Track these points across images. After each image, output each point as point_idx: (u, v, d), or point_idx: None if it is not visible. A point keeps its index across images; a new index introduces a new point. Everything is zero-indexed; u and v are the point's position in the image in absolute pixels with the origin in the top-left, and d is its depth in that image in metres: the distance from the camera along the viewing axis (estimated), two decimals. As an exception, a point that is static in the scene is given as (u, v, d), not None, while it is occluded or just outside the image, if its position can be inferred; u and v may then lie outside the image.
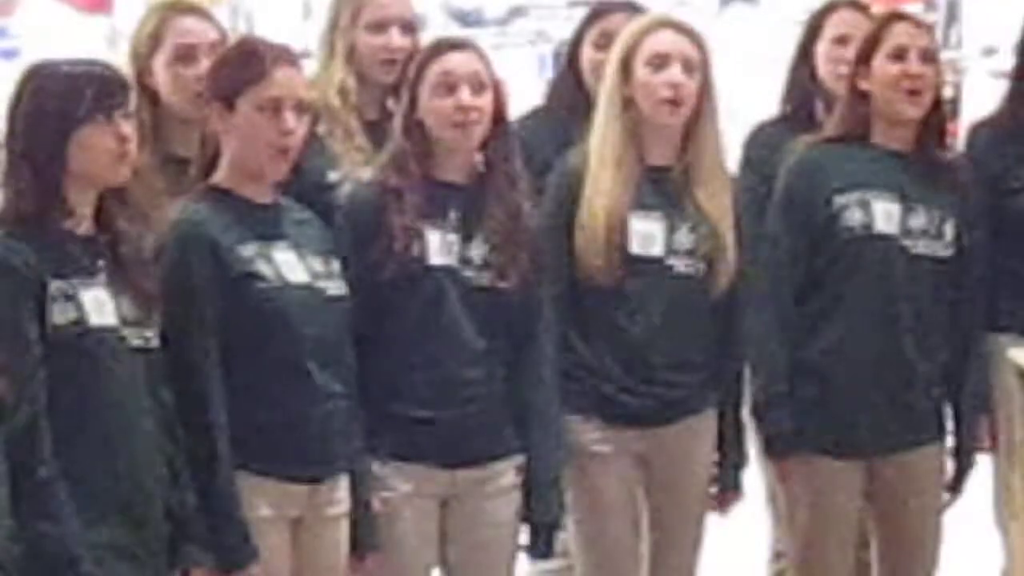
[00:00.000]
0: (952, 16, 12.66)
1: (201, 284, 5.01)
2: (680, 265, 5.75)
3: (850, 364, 5.88)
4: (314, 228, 5.28)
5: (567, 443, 5.68)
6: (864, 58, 5.92)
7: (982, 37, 11.43)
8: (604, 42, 6.07)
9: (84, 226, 4.77)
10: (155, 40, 5.78)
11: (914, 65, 5.86)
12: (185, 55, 5.62)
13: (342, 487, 5.24)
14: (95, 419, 4.71)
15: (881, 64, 5.88)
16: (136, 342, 4.77)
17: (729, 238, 5.76)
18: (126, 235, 4.83)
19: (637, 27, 5.81)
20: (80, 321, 4.67)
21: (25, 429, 4.56)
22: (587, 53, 6.27)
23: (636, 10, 6.23)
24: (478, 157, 5.47)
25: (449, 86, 5.39)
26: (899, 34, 5.91)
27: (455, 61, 5.43)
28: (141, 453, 4.78)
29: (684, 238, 5.74)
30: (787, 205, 5.93)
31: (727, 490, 5.96)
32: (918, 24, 6.09)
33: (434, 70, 5.41)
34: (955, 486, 6.05)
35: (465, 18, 15.69)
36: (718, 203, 5.76)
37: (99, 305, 4.71)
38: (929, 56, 5.91)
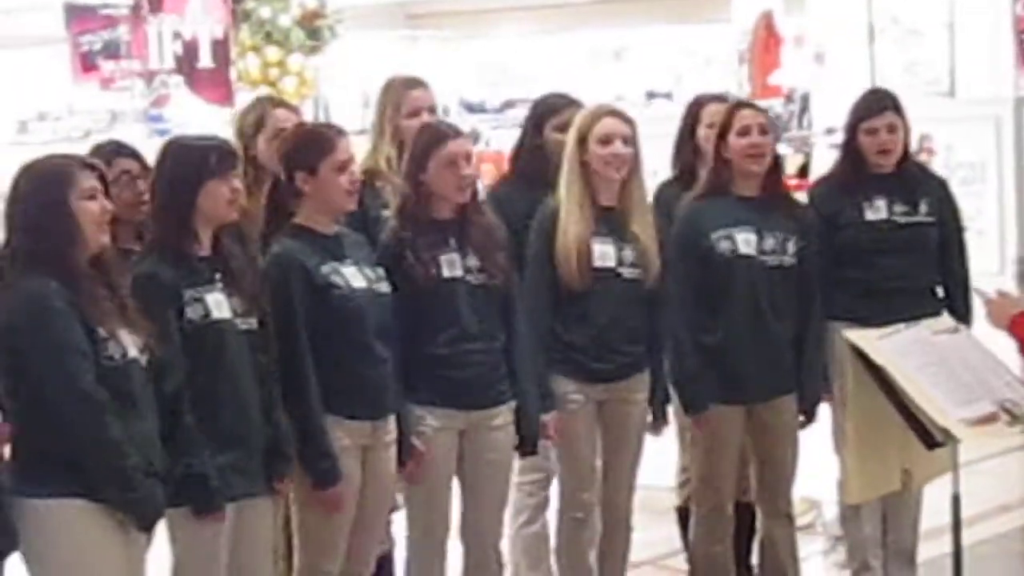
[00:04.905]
0: (804, 107, 12.67)
1: (296, 293, 5.04)
2: (626, 272, 5.78)
3: (734, 342, 5.88)
4: (366, 248, 5.32)
5: (553, 394, 5.71)
6: (722, 135, 5.93)
7: (825, 121, 11.43)
8: (564, 127, 5.98)
9: (205, 250, 4.80)
10: (258, 124, 5.82)
11: (756, 137, 5.89)
12: (279, 134, 5.66)
13: (392, 422, 5.27)
14: (219, 381, 4.74)
15: (734, 139, 5.90)
16: (243, 327, 4.80)
17: (654, 254, 5.80)
18: (234, 255, 4.87)
19: (589, 114, 5.83)
20: (207, 316, 4.71)
21: (173, 392, 4.61)
22: (550, 135, 6.10)
23: (580, 104, 6.19)
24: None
25: (454, 163, 5.38)
26: (744, 117, 5.92)
27: (458, 145, 5.42)
28: (249, 402, 4.81)
29: (627, 254, 5.77)
30: (680, 242, 5.92)
31: (659, 420, 5.99)
32: (756, 108, 6.10)
33: (444, 150, 5.38)
34: (809, 418, 6.05)
35: (472, 108, 15.66)
36: (646, 231, 5.80)
37: (218, 304, 4.74)
38: (765, 130, 5.92)
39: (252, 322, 4.83)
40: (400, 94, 6.08)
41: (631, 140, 5.76)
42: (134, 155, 5.42)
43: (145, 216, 5.08)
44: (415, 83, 6.17)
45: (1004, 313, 5.18)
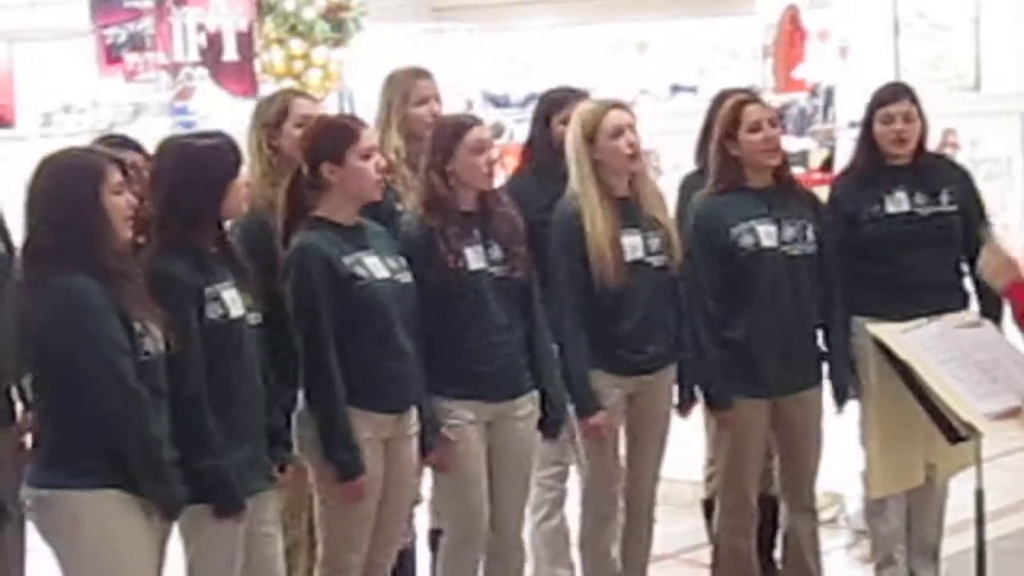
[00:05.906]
0: (828, 101, 12.65)
1: (319, 286, 5.04)
2: (655, 261, 5.79)
3: (758, 337, 5.88)
4: (387, 238, 5.31)
5: (596, 394, 5.71)
6: (729, 133, 5.91)
7: (849, 115, 11.42)
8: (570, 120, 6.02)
9: (214, 246, 4.78)
10: (282, 113, 5.81)
11: (768, 131, 5.89)
12: (303, 123, 5.65)
13: (414, 414, 5.28)
14: (235, 377, 4.73)
15: (746, 136, 5.88)
16: (253, 322, 4.79)
17: (675, 238, 5.81)
18: (237, 249, 4.87)
19: (591, 111, 5.81)
20: (226, 315, 4.69)
21: (192, 395, 4.60)
22: (558, 129, 6.05)
23: (586, 96, 6.20)
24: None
25: (481, 149, 5.42)
26: (752, 113, 5.91)
27: (481, 131, 5.49)
28: (258, 397, 4.81)
29: (653, 242, 5.77)
30: (698, 237, 5.91)
31: (686, 399, 5.96)
32: (761, 102, 6.10)
33: (469, 137, 5.42)
34: (840, 403, 6.06)
35: (497, 101, 15.65)
36: (663, 217, 5.84)
37: (233, 301, 4.73)
38: (775, 122, 5.95)
39: (258, 317, 4.83)
40: (407, 83, 6.11)
41: (635, 128, 5.76)
42: (137, 148, 5.39)
43: (146, 213, 4.98)
44: (420, 73, 6.22)
45: (1002, 272, 5.25)
